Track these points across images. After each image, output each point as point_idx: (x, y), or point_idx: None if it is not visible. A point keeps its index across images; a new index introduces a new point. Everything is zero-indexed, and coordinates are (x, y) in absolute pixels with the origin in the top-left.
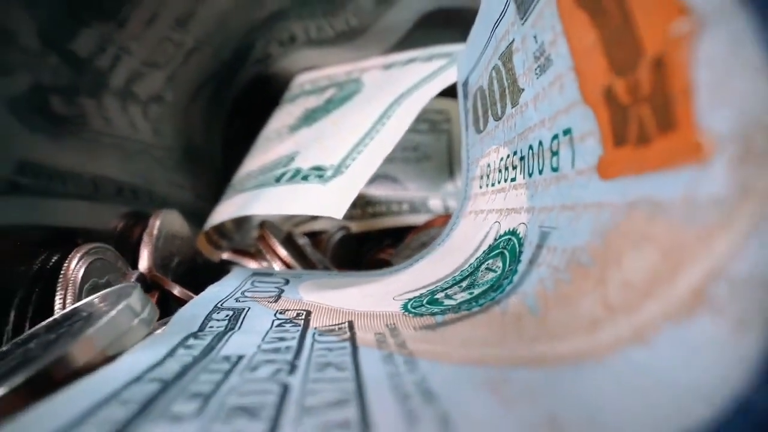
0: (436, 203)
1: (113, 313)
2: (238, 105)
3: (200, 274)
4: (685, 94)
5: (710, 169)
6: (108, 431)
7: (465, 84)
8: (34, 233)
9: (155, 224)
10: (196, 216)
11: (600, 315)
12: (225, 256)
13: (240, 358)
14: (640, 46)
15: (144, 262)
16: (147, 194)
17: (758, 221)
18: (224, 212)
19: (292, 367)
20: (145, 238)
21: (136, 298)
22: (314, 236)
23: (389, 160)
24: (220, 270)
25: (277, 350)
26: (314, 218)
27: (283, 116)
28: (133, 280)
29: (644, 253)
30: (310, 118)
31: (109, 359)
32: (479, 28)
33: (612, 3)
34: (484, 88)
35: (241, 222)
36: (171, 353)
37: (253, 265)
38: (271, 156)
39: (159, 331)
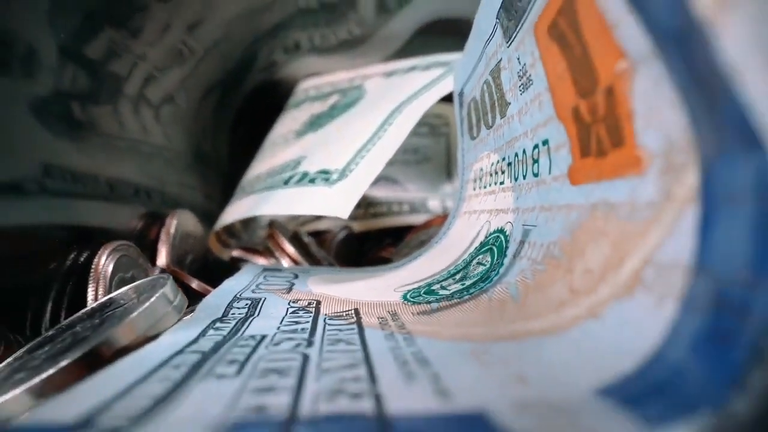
0: (434, 204)
1: (152, 299)
2: (243, 110)
3: (211, 270)
4: (628, 118)
5: (646, 178)
6: (170, 386)
7: (461, 94)
8: (61, 232)
9: (172, 223)
10: (206, 216)
11: (566, 298)
12: (235, 253)
13: (263, 336)
14: (596, 76)
15: (162, 259)
16: (160, 195)
17: (677, 221)
18: (235, 212)
19: (309, 343)
20: (163, 236)
21: (169, 288)
22: (318, 235)
23: (390, 162)
24: (230, 267)
25: (294, 330)
26: (319, 218)
27: (288, 122)
28: (156, 273)
29: (601, 246)
30: (315, 123)
31: (148, 340)
32: (472, 44)
33: (575, 39)
34: (477, 99)
35: (248, 222)
36: (203, 334)
37: (262, 261)
38: (279, 160)
39: (187, 318)
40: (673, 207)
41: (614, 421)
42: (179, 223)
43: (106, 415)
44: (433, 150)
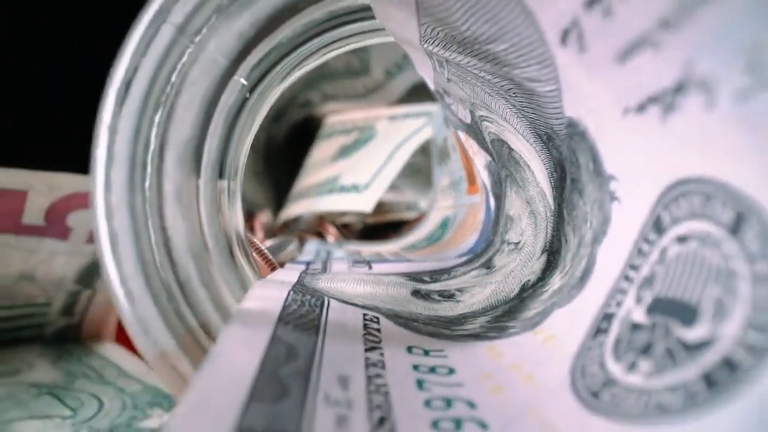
0: (423, 204)
1: (291, 246)
2: (287, 137)
3: None
4: (476, 172)
5: (480, 194)
6: (323, 261)
7: (434, 140)
8: None
9: (263, 216)
10: None
11: (460, 238)
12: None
13: (342, 257)
14: (467, 155)
15: (259, 236)
16: (243, 199)
17: (483, 208)
18: (296, 210)
19: (363, 257)
20: (257, 225)
21: (296, 243)
22: (343, 227)
23: None
24: None
25: (355, 258)
26: (344, 214)
27: (324, 149)
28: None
29: (471, 217)
30: (344, 153)
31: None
32: (437, 117)
33: (459, 145)
34: (442, 145)
35: (297, 217)
36: (313, 259)
37: (315, 239)
38: (322, 176)
39: (299, 255)
40: (483, 203)
41: (456, 259)
42: (266, 216)
43: None
44: (423, 165)
